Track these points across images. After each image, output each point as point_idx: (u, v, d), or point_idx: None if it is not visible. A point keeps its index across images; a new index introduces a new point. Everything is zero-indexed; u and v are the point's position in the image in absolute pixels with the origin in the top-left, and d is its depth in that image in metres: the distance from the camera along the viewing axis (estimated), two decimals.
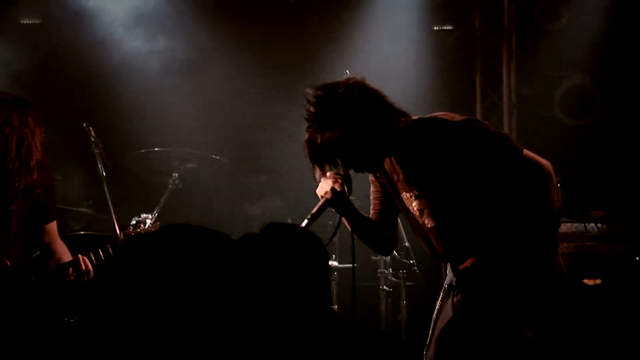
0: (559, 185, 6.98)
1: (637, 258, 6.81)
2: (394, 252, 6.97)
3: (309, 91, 3.48)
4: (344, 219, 3.70)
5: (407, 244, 7.44)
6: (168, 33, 8.27)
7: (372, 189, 3.87)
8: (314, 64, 8.22)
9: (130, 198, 7.27)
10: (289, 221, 7.59)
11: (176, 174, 7.19)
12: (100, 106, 8.17)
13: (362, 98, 3.44)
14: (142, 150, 7.22)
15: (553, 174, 3.52)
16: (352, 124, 3.39)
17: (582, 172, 8.09)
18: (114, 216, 6.14)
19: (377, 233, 3.79)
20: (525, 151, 3.54)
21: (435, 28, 8.88)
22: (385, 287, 7.61)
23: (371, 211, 3.88)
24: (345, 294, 7.36)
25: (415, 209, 3.67)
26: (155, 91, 8.30)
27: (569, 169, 6.71)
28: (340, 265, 7.39)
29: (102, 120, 7.29)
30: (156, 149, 7.18)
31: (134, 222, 5.61)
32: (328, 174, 3.59)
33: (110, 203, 6.21)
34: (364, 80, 3.52)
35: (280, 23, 8.67)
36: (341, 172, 3.60)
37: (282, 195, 8.31)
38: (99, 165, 6.33)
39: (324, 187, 3.60)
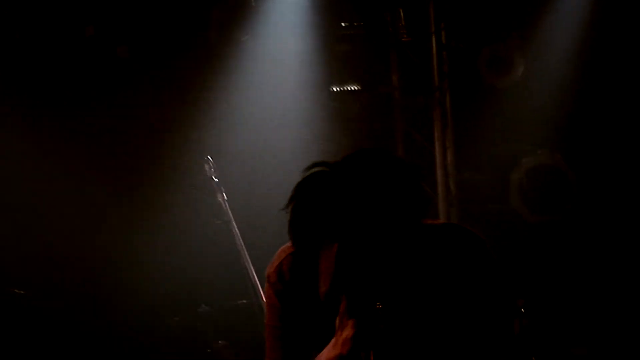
0: (522, 309, 6.01)
1: None
2: None
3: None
4: None
5: None
6: None
7: (269, 320, 3.17)
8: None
9: None
10: None
11: None
12: None
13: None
14: None
15: None
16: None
17: (554, 291, 7.25)
18: None
19: None
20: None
21: (334, 89, 7.71)
22: None
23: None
24: None
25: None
26: None
27: (534, 287, 6.63)
28: None
29: None
30: None
31: None
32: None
33: None
34: None
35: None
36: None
37: None
38: None
39: (350, 329, 2.88)
